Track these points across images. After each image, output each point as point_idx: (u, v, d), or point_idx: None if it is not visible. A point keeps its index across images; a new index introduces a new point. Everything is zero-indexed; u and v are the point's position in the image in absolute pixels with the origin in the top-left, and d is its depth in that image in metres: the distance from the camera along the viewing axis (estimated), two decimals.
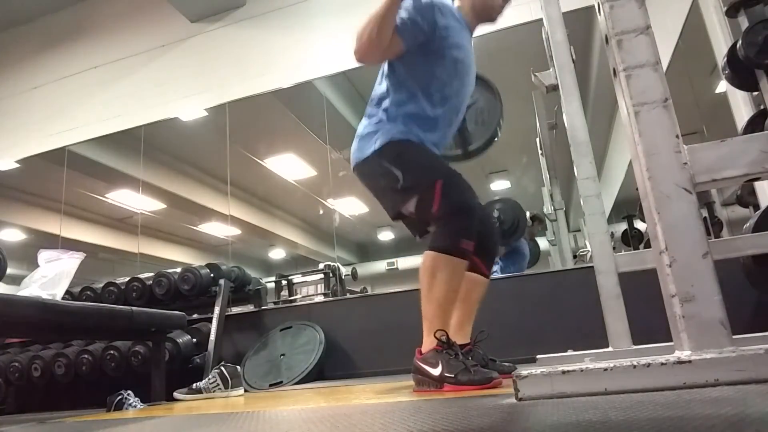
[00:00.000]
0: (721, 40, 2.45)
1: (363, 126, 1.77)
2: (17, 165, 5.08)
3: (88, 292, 3.28)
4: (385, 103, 1.74)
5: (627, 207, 4.09)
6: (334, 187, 4.99)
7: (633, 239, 3.91)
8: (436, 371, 1.44)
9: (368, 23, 1.57)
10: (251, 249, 7.57)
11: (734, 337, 0.89)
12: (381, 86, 1.79)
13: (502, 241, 3.62)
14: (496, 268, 3.81)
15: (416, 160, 1.66)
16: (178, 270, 3.18)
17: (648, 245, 1.15)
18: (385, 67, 1.79)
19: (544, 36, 1.40)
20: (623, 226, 4.03)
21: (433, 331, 1.51)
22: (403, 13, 1.61)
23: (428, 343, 1.52)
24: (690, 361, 0.84)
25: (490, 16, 1.84)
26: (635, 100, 1.01)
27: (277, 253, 7.93)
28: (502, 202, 3.70)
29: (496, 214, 3.50)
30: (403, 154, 1.66)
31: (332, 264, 4.64)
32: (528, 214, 3.81)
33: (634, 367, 0.87)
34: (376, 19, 1.55)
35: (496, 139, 2.15)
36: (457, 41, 1.73)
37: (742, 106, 2.47)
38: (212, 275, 3.21)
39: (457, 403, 1.07)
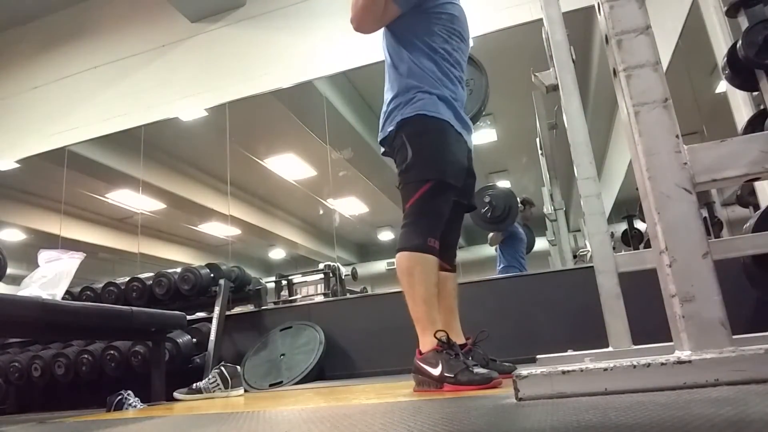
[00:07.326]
0: (721, 40, 2.45)
1: (387, 100, 1.76)
2: (17, 165, 5.09)
3: (88, 292, 3.27)
4: (400, 69, 1.72)
5: (627, 207, 4.09)
6: (334, 187, 4.99)
7: (633, 239, 3.91)
8: (436, 371, 1.44)
9: None
10: (251, 249, 7.56)
11: (734, 337, 0.89)
12: (387, 60, 1.78)
13: (497, 227, 3.71)
14: (498, 256, 3.90)
15: (429, 147, 1.64)
16: (178, 270, 3.18)
17: (648, 245, 1.15)
18: (384, 42, 1.79)
19: (544, 36, 1.40)
20: (623, 226, 4.03)
21: (428, 330, 1.52)
22: None
23: (427, 343, 1.52)
24: (690, 361, 0.84)
25: None
26: (635, 100, 1.01)
27: (277, 253, 7.92)
28: (494, 188, 3.75)
29: (487, 199, 3.57)
30: (422, 134, 1.65)
31: (332, 264, 4.64)
32: (519, 198, 3.87)
33: (634, 367, 0.87)
34: None
35: (483, 108, 2.40)
36: None
37: (742, 106, 2.47)
38: (212, 275, 3.21)
39: (457, 403, 1.07)
